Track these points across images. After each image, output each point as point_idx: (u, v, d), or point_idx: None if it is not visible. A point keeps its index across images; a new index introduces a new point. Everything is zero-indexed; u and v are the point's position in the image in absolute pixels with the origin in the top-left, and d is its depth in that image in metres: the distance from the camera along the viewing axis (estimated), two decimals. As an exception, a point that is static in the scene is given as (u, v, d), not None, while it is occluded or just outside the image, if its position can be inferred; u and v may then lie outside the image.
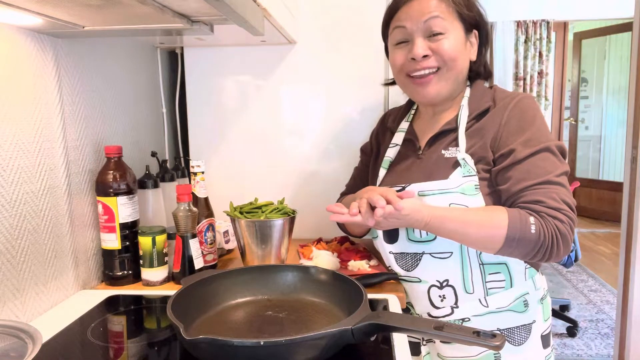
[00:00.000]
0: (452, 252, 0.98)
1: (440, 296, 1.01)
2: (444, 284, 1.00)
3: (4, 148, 0.85)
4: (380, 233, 1.06)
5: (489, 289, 0.98)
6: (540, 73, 4.59)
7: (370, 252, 1.24)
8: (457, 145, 0.99)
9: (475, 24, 1.02)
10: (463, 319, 1.00)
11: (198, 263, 1.08)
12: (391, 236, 1.04)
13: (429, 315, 1.03)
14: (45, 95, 0.96)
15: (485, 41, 1.05)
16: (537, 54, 4.56)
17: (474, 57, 1.04)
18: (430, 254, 0.99)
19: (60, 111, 1.00)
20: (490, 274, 0.98)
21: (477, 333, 0.68)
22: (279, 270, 0.98)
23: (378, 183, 1.10)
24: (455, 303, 1.00)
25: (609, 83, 5.66)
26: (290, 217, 1.15)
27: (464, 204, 0.94)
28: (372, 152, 1.21)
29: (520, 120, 0.95)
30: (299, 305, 0.92)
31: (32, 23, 0.86)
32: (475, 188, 0.95)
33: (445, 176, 0.97)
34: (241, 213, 1.17)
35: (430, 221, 0.91)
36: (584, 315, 3.15)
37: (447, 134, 1.03)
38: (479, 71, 1.07)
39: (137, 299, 1.03)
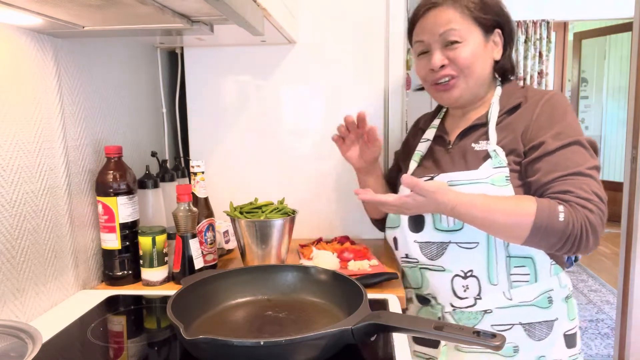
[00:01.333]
0: (478, 243, 0.98)
1: (463, 286, 1.02)
2: (468, 274, 1.01)
3: (4, 148, 0.85)
4: (404, 222, 1.07)
5: (513, 281, 0.99)
6: (540, 73, 4.60)
7: (371, 252, 1.24)
8: (487, 138, 1.02)
9: (496, 24, 1.02)
10: (486, 311, 1.01)
11: (198, 263, 1.08)
12: (417, 224, 1.05)
13: (452, 305, 1.04)
14: (45, 95, 0.96)
15: (509, 39, 1.06)
16: (537, 54, 4.56)
17: (498, 57, 1.05)
18: (456, 243, 1.00)
19: (60, 111, 1.00)
20: (515, 267, 0.99)
21: (477, 333, 0.68)
22: (279, 270, 0.98)
23: (410, 172, 1.12)
24: (479, 294, 1.01)
25: (609, 83, 5.66)
26: (291, 217, 1.15)
27: (493, 194, 0.95)
28: (401, 159, 1.25)
29: (552, 115, 0.97)
30: (299, 305, 0.92)
31: (32, 23, 0.86)
32: (506, 179, 0.96)
33: (475, 167, 1.00)
34: (241, 213, 1.17)
35: (456, 206, 0.91)
36: (584, 315, 3.15)
37: (477, 128, 1.05)
38: (506, 68, 1.08)
39: (137, 299, 1.03)
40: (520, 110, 1.02)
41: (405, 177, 0.91)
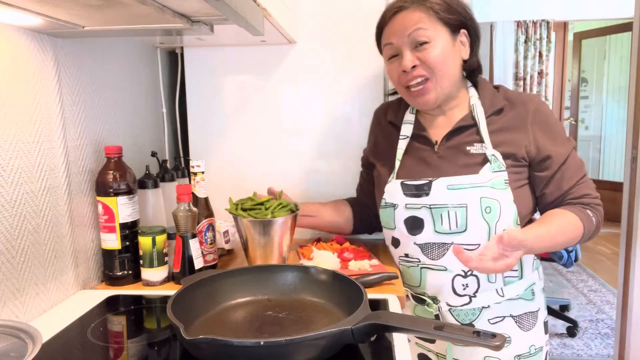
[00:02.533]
0: (479, 244, 1.01)
1: (463, 285, 1.05)
2: (469, 273, 1.04)
3: (4, 148, 0.85)
4: (400, 224, 1.08)
5: (505, 277, 1.06)
6: (540, 73, 4.59)
7: (371, 252, 1.24)
8: (480, 141, 1.04)
9: (461, 24, 1.04)
10: (483, 307, 1.06)
11: (198, 263, 1.08)
12: (414, 227, 1.06)
13: (448, 304, 1.07)
14: (45, 95, 0.96)
15: (475, 38, 1.07)
16: (537, 54, 4.56)
17: (466, 56, 1.06)
18: (459, 243, 1.03)
19: (60, 111, 1.00)
20: None
21: (477, 333, 0.68)
22: (279, 270, 0.98)
23: (394, 176, 1.10)
24: (475, 293, 1.05)
25: (609, 83, 5.66)
26: (294, 215, 1.15)
27: (494, 197, 1.00)
28: (371, 153, 1.23)
29: (548, 124, 1.04)
30: (299, 305, 0.92)
31: (32, 23, 0.86)
32: (505, 182, 1.01)
33: (474, 171, 1.02)
34: (243, 210, 1.15)
35: (533, 245, 0.94)
36: (584, 315, 3.15)
37: (464, 130, 1.06)
38: (474, 67, 1.10)
39: (137, 299, 1.03)
40: (507, 114, 1.05)
41: (496, 244, 0.87)
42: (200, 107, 1.49)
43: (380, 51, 1.12)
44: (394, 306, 0.97)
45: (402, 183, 1.07)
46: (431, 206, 1.03)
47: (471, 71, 1.10)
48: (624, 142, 2.09)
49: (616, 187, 5.23)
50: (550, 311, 2.95)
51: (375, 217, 1.18)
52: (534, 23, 4.52)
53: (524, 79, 4.59)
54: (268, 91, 1.47)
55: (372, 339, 0.75)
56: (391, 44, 1.04)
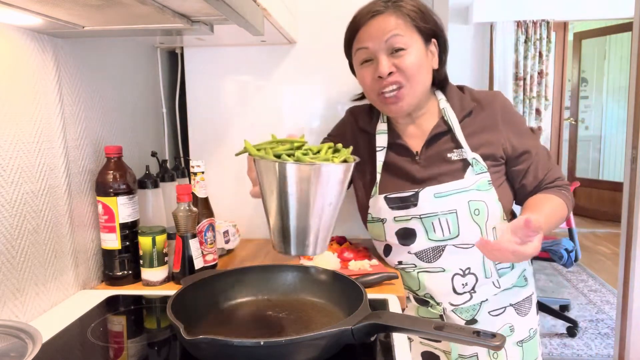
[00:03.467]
0: (472, 245, 1.03)
1: (463, 284, 1.06)
2: (467, 271, 1.05)
3: (4, 148, 0.85)
4: (390, 237, 1.08)
5: (499, 270, 1.07)
6: (540, 73, 4.59)
7: (371, 252, 1.24)
8: (459, 146, 1.05)
9: (433, 34, 1.04)
10: (482, 301, 1.07)
11: (198, 263, 1.08)
12: (406, 237, 1.07)
13: (451, 304, 1.07)
14: (45, 95, 0.96)
15: (443, 49, 1.07)
16: (537, 54, 4.56)
17: (436, 66, 1.06)
18: (454, 245, 1.04)
19: (60, 111, 1.00)
20: None
21: (477, 333, 0.68)
22: (279, 270, 0.98)
23: (377, 190, 1.09)
24: (473, 288, 1.06)
25: (609, 83, 5.66)
26: (349, 164, 0.76)
27: (480, 199, 1.02)
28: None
29: (516, 123, 1.08)
30: (299, 305, 0.92)
31: (32, 23, 0.86)
32: (489, 183, 1.03)
33: (459, 177, 1.03)
34: (277, 157, 0.74)
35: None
36: (584, 315, 3.15)
37: (441, 137, 1.07)
38: (441, 78, 1.10)
39: (137, 299, 1.03)
40: (478, 115, 1.07)
41: (521, 225, 0.85)
42: (200, 107, 1.49)
43: (348, 55, 1.11)
44: (394, 306, 0.97)
45: (385, 197, 1.07)
46: (421, 216, 1.04)
47: (439, 81, 1.10)
48: (624, 142, 2.09)
49: (616, 187, 5.23)
50: (550, 311, 2.95)
51: None
52: (534, 23, 4.52)
53: (524, 79, 4.59)
54: (268, 91, 1.47)
55: (372, 339, 0.75)
56: (366, 48, 1.01)
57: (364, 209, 1.13)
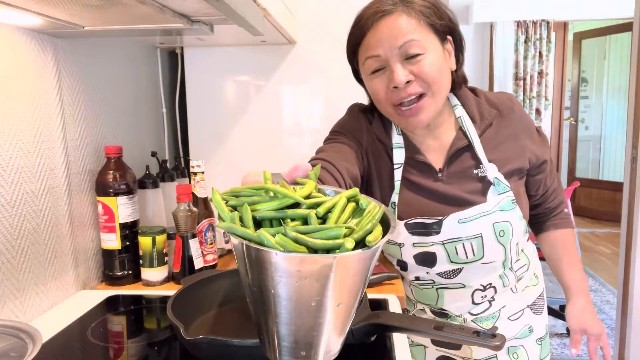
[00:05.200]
0: (495, 260, 0.98)
1: (482, 296, 1.03)
2: (487, 286, 1.02)
3: (4, 148, 0.85)
4: (409, 259, 0.99)
5: (517, 275, 1.05)
6: (540, 73, 4.59)
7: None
8: (481, 162, 0.95)
9: (448, 31, 0.90)
10: (501, 307, 1.05)
11: (198, 263, 1.08)
12: (427, 261, 0.97)
13: (470, 313, 1.04)
14: (45, 95, 0.96)
15: (459, 46, 0.94)
16: (537, 54, 4.55)
17: (454, 67, 0.93)
18: (476, 266, 0.99)
19: (60, 111, 1.00)
20: (515, 262, 1.04)
21: (477, 333, 0.68)
22: (279, 270, 0.98)
23: (396, 213, 0.97)
24: (493, 297, 1.04)
25: (609, 83, 5.66)
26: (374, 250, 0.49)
27: (504, 220, 0.94)
28: (366, 166, 0.99)
29: (532, 130, 1.02)
30: (299, 305, 0.92)
31: (32, 23, 0.86)
32: (512, 202, 0.95)
33: (480, 199, 0.94)
34: (258, 223, 0.50)
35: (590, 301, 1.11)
36: (584, 315, 3.15)
37: (463, 152, 0.96)
38: (460, 80, 0.97)
39: (137, 299, 1.03)
40: (498, 125, 0.96)
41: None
42: (200, 107, 1.49)
43: (352, 62, 0.96)
44: (394, 306, 0.97)
45: (406, 223, 0.95)
46: (444, 242, 0.95)
47: (456, 83, 0.96)
48: (624, 142, 2.09)
49: (616, 187, 5.23)
50: (550, 311, 2.94)
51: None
52: (534, 23, 4.51)
53: (524, 79, 4.58)
54: (268, 91, 1.47)
55: (372, 339, 0.75)
56: (377, 57, 0.86)
57: None
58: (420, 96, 0.87)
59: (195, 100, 1.49)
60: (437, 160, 0.97)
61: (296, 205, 0.51)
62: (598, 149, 5.79)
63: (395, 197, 0.96)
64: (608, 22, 5.09)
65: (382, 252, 1.20)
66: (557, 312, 2.99)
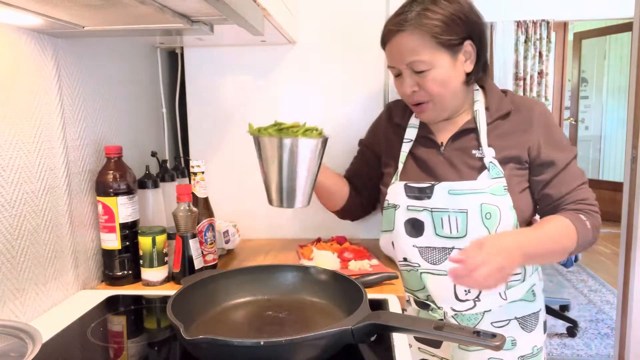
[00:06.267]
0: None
1: (465, 290, 1.04)
2: None
3: (4, 148, 0.85)
4: (399, 226, 1.07)
5: (509, 282, 1.05)
6: (540, 73, 4.59)
7: (371, 252, 1.24)
8: (481, 146, 1.04)
9: (465, 37, 0.99)
10: (486, 311, 1.06)
11: (198, 263, 1.08)
12: (415, 229, 1.06)
13: (453, 309, 1.06)
14: (45, 96, 0.96)
15: (480, 46, 1.03)
16: (537, 54, 4.56)
17: (469, 69, 1.02)
18: (459, 249, 1.01)
19: (60, 111, 1.00)
20: None
21: (477, 333, 0.68)
22: (279, 270, 0.98)
23: (398, 177, 1.10)
24: (478, 297, 1.04)
25: (609, 83, 5.66)
26: (325, 140, 1.00)
27: (494, 204, 1.00)
28: (382, 149, 1.20)
29: (550, 131, 1.05)
30: (299, 305, 0.92)
31: (32, 23, 0.86)
32: (504, 189, 1.01)
33: (473, 176, 1.02)
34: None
35: (524, 261, 0.96)
36: (584, 315, 3.15)
37: (469, 132, 1.06)
38: (479, 73, 1.07)
39: (137, 299, 1.03)
40: (512, 118, 1.05)
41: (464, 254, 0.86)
42: (200, 107, 1.49)
43: None
44: (394, 306, 0.97)
45: (405, 185, 1.07)
46: (432, 209, 1.03)
47: (478, 76, 1.07)
48: (624, 142, 2.09)
49: (616, 187, 5.23)
50: (550, 311, 2.95)
51: (361, 205, 1.23)
52: (534, 23, 4.52)
53: (524, 79, 4.59)
54: (268, 91, 1.47)
55: (372, 339, 0.75)
56: (393, 67, 1.04)
57: (383, 197, 1.13)
58: (426, 102, 1.03)
59: (195, 100, 1.49)
60: (444, 137, 1.09)
61: (287, 128, 0.96)
62: (598, 149, 5.79)
63: (400, 166, 1.11)
64: (608, 22, 5.09)
65: (381, 250, 1.21)
66: (557, 312, 2.99)
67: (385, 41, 1.04)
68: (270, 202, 1.01)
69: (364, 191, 1.24)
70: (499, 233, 0.99)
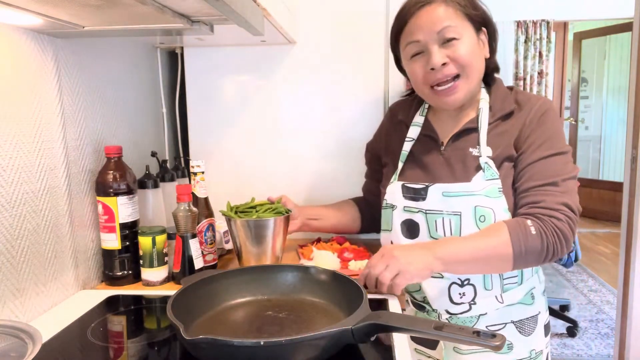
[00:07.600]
0: None
1: (460, 293, 1.03)
2: (465, 282, 1.02)
3: (4, 148, 0.85)
4: (396, 226, 1.07)
5: (505, 285, 1.03)
6: (540, 73, 4.59)
7: (371, 252, 1.24)
8: (479, 145, 1.02)
9: (483, 22, 1.02)
10: (481, 314, 1.05)
11: (198, 263, 1.08)
12: (411, 231, 1.05)
13: (447, 312, 1.05)
14: (45, 95, 0.96)
15: (493, 37, 1.05)
16: (537, 54, 4.56)
17: (488, 55, 1.04)
18: None
19: (60, 111, 1.00)
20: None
21: (477, 333, 0.68)
22: (279, 270, 0.98)
23: (396, 177, 1.10)
24: (473, 299, 1.03)
25: (609, 83, 5.66)
26: (284, 217, 1.15)
27: (488, 206, 0.97)
28: (382, 149, 1.21)
29: (540, 124, 1.00)
30: (299, 305, 0.92)
31: (32, 23, 0.86)
32: (499, 191, 0.98)
33: (467, 178, 1.00)
34: (236, 213, 1.17)
35: (442, 266, 0.94)
36: (584, 315, 3.15)
37: (471, 132, 1.04)
38: (493, 67, 1.08)
39: (137, 299, 1.03)
40: (514, 117, 1.03)
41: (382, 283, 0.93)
42: (200, 107, 1.49)
43: (395, 50, 1.08)
44: (394, 306, 0.97)
45: (402, 185, 1.06)
46: (427, 211, 1.02)
47: (489, 71, 1.08)
48: (624, 142, 2.09)
49: (616, 187, 5.23)
50: (550, 311, 2.93)
51: (378, 220, 1.18)
52: (534, 23, 4.52)
53: (524, 79, 4.59)
54: (268, 91, 1.47)
55: (372, 339, 0.75)
56: (417, 42, 0.99)
57: (383, 195, 1.13)
58: (456, 77, 0.98)
59: (195, 100, 1.49)
60: (446, 136, 1.07)
61: (254, 207, 1.21)
62: (598, 149, 5.79)
63: (400, 165, 1.10)
64: (608, 22, 5.09)
65: (371, 239, 1.20)
66: (557, 312, 2.99)
67: (407, 18, 1.00)
68: (240, 263, 1.18)
69: (379, 205, 1.18)
70: (415, 254, 0.96)
